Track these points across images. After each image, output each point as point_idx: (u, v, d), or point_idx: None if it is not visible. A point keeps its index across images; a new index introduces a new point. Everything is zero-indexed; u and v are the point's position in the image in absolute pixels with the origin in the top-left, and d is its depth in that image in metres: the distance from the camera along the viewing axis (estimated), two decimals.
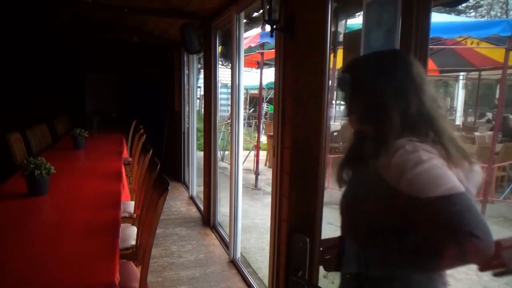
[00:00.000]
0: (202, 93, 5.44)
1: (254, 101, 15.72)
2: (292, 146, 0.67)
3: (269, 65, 8.01)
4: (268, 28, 2.43)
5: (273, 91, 1.98)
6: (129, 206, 2.96)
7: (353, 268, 0.93)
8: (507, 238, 0.81)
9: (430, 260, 0.87)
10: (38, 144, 4.57)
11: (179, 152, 6.20)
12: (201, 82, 5.98)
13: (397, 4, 1.52)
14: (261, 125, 8.75)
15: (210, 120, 4.14)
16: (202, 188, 4.63)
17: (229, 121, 7.19)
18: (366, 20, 1.74)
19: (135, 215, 2.79)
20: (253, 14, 4.05)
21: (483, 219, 0.81)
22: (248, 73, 10.63)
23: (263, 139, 9.24)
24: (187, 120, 5.89)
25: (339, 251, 0.91)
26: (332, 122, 9.54)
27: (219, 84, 4.22)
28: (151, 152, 2.99)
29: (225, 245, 3.63)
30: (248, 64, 8.35)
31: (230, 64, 3.47)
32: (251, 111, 15.89)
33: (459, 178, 0.89)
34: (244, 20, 3.37)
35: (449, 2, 2.25)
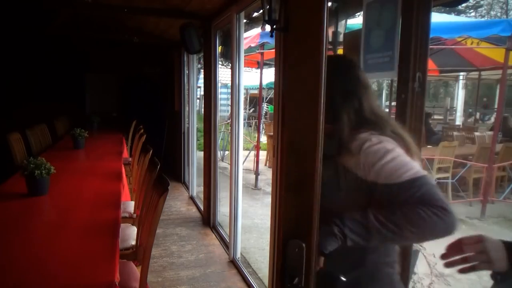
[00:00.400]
0: (202, 93, 5.44)
1: (254, 101, 15.73)
2: (288, 148, 0.66)
3: (269, 65, 8.01)
4: (268, 28, 2.43)
5: (273, 91, 1.97)
6: (129, 206, 2.96)
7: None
8: (468, 236, 0.87)
9: (409, 234, 0.93)
10: (38, 144, 4.57)
11: (179, 152, 6.20)
12: (201, 82, 5.98)
13: (397, 4, 1.52)
14: (261, 125, 8.75)
15: (210, 120, 4.14)
16: (202, 188, 4.63)
17: (229, 121, 7.19)
18: (366, 20, 1.74)
19: (135, 215, 2.79)
20: (253, 14, 4.04)
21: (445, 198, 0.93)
22: (248, 73, 10.64)
23: (263, 139, 9.25)
24: (187, 120, 5.89)
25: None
26: None
27: (219, 84, 4.22)
28: (151, 152, 2.99)
29: (225, 245, 3.63)
30: (248, 64, 8.35)
31: (230, 64, 3.47)
32: (251, 111, 15.90)
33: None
34: (244, 20, 3.37)
35: (449, 2, 2.25)
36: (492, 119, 12.44)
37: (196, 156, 5.57)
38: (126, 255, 2.23)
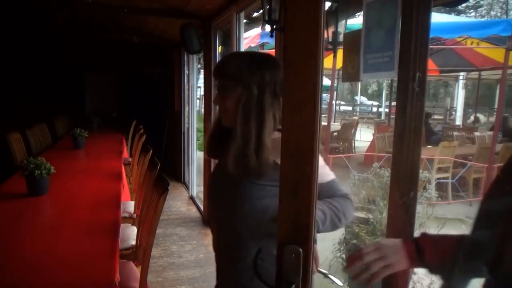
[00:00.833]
0: (202, 93, 5.44)
1: None
2: (285, 150, 0.65)
3: None
4: (268, 28, 2.43)
5: None
6: (129, 206, 2.96)
7: None
8: (366, 246, 0.90)
9: (343, 218, 1.13)
10: (38, 144, 4.57)
11: (179, 152, 6.20)
12: (201, 82, 5.97)
13: (397, 4, 1.52)
14: None
15: (210, 120, 4.14)
16: (202, 188, 4.63)
17: None
18: (366, 20, 1.74)
19: (135, 215, 2.79)
20: (253, 14, 4.05)
21: None
22: None
23: None
24: (187, 120, 5.89)
25: None
26: (332, 122, 9.54)
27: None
28: (151, 152, 2.99)
29: None
30: None
31: None
32: None
33: None
34: (244, 20, 3.37)
35: (449, 2, 2.25)
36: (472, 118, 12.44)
37: (196, 156, 5.57)
38: (126, 255, 2.23)
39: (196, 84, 5.90)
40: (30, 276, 1.45)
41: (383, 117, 17.33)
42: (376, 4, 1.66)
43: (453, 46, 6.82)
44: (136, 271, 2.03)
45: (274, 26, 2.34)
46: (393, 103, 8.40)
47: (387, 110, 14.33)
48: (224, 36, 4.05)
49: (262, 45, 5.93)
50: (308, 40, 0.62)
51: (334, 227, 1.11)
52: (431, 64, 7.83)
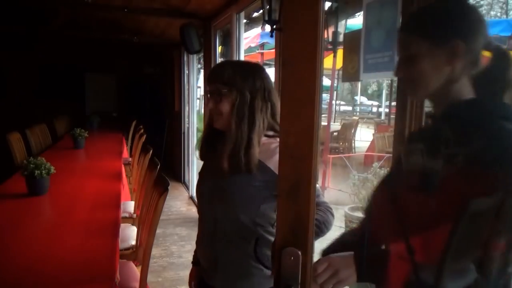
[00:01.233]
0: (202, 93, 5.44)
1: None
2: (284, 152, 0.65)
3: (269, 65, 8.01)
4: (268, 28, 2.43)
5: None
6: (129, 206, 2.96)
7: None
8: (318, 261, 0.89)
9: (325, 229, 1.19)
10: (38, 144, 4.57)
11: (179, 152, 6.21)
12: (201, 82, 5.98)
13: (397, 4, 1.52)
14: None
15: None
16: None
17: None
18: (366, 20, 1.74)
19: (135, 215, 2.79)
20: (253, 14, 4.05)
21: None
22: None
23: None
24: (187, 120, 5.90)
25: None
26: (332, 122, 9.53)
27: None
28: (151, 152, 2.99)
29: None
30: None
31: None
32: None
33: None
34: (244, 20, 3.37)
35: None
36: None
37: (196, 156, 5.56)
38: (126, 255, 2.23)
39: (196, 84, 5.90)
40: (30, 276, 1.45)
41: (383, 117, 17.31)
42: (376, 4, 1.66)
43: None
44: (136, 271, 2.03)
45: (274, 26, 2.34)
46: (393, 103, 8.38)
47: (387, 110, 14.32)
48: (224, 36, 4.05)
49: (262, 45, 5.94)
50: (307, 40, 0.62)
51: (315, 237, 1.12)
52: None
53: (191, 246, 3.63)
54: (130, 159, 4.52)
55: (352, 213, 3.58)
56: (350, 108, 22.99)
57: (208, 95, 1.24)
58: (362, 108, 23.49)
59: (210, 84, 1.24)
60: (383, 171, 3.32)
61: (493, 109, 0.81)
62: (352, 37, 1.95)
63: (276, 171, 1.16)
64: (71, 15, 4.86)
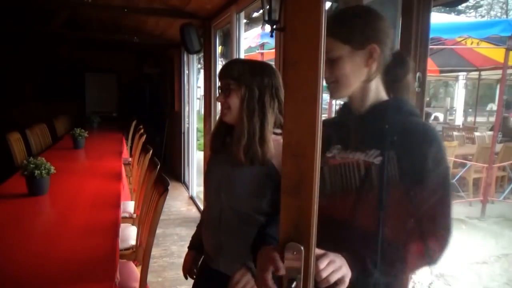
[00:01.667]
0: (202, 93, 5.44)
1: None
2: (286, 149, 0.66)
3: None
4: (268, 28, 2.43)
5: None
6: (129, 206, 2.96)
7: None
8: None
9: None
10: (38, 144, 4.57)
11: (179, 152, 6.21)
12: (201, 82, 5.97)
13: (397, 4, 1.52)
14: None
15: (210, 120, 4.14)
16: (202, 188, 4.63)
17: None
18: None
19: (135, 215, 2.79)
20: (253, 14, 4.05)
21: None
22: None
23: None
24: (187, 120, 5.90)
25: None
26: None
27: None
28: (151, 152, 2.99)
29: None
30: None
31: None
32: None
33: None
34: (244, 20, 3.37)
35: (449, 2, 2.25)
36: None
37: (196, 156, 5.56)
38: (126, 255, 2.23)
39: (196, 84, 5.90)
40: (30, 276, 1.45)
41: None
42: (376, 4, 1.66)
43: (453, 46, 6.82)
44: (136, 271, 2.03)
45: (274, 26, 2.34)
46: None
47: None
48: (224, 36, 4.05)
49: (262, 45, 5.93)
50: (308, 40, 0.62)
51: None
52: (431, 64, 7.82)
53: None
54: (130, 159, 4.52)
55: None
56: None
57: (219, 91, 1.31)
58: None
59: (220, 79, 1.32)
60: None
61: (404, 107, 0.97)
62: None
63: (279, 168, 1.16)
64: (71, 15, 4.86)
